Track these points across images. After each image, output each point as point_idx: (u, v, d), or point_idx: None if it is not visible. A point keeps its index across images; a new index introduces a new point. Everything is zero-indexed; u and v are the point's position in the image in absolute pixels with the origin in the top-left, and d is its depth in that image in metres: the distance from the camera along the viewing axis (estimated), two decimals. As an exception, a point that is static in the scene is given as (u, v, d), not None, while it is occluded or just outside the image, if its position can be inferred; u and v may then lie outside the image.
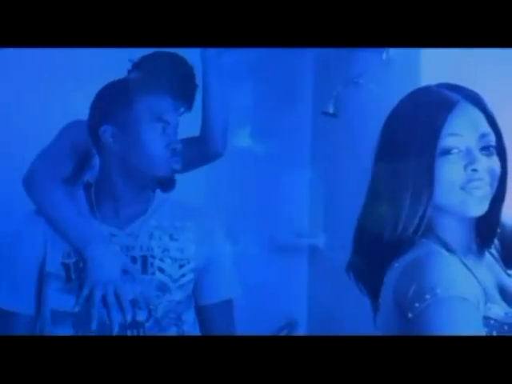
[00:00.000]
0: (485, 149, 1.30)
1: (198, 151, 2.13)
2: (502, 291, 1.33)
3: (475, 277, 1.23)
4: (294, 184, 3.12)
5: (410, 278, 1.22)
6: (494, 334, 1.23)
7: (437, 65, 2.17)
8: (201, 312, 1.79)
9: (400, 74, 2.39)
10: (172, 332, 1.72)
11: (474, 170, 1.28)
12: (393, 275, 1.26)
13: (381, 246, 1.29)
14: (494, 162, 1.30)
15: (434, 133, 1.28)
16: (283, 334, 3.00)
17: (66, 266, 1.69)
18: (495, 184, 1.31)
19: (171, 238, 1.74)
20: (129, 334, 1.67)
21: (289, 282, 3.12)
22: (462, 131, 1.28)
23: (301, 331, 3.09)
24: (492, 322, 1.23)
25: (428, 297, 1.17)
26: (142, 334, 1.68)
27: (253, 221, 2.91)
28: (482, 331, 1.20)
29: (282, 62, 3.00)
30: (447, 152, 1.27)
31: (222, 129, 2.16)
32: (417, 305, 1.18)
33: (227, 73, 2.22)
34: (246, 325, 1.94)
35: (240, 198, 2.96)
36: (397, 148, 1.31)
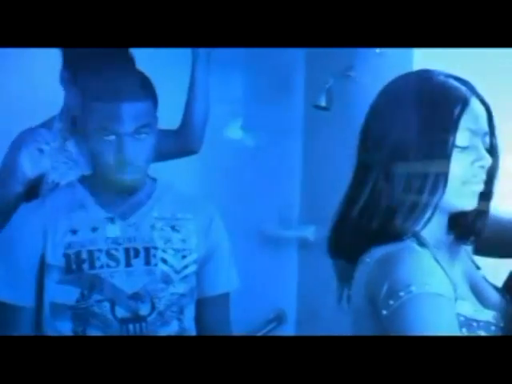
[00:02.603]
0: (487, 146, 1.29)
1: (174, 144, 2.15)
2: (473, 287, 1.33)
3: (446, 273, 1.23)
4: (285, 176, 3.12)
5: (382, 275, 1.20)
6: (464, 331, 1.22)
7: (430, 58, 2.16)
8: (199, 305, 1.78)
9: (393, 67, 2.38)
10: (173, 326, 1.72)
11: (482, 167, 1.27)
12: (364, 271, 1.25)
13: (368, 231, 1.27)
14: (494, 161, 1.30)
15: (450, 126, 1.25)
16: (272, 326, 3.00)
17: (67, 257, 1.67)
18: (489, 181, 1.30)
19: (173, 228, 1.73)
20: (131, 328, 1.67)
21: (278, 275, 3.12)
22: (474, 127, 1.27)
23: (290, 324, 3.09)
24: (462, 318, 1.22)
25: (402, 294, 1.16)
26: (144, 328, 1.67)
27: (243, 212, 2.90)
28: (456, 327, 1.19)
29: (274, 55, 2.98)
30: (459, 146, 1.26)
31: (201, 127, 2.17)
32: (391, 302, 1.16)
33: (219, 65, 2.22)
34: (234, 318, 1.94)
35: (230, 190, 2.96)
36: (403, 135, 1.28)
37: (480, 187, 1.28)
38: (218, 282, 1.80)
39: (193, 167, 2.58)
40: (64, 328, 1.67)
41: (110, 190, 1.70)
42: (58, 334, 1.67)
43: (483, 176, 1.28)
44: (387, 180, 1.26)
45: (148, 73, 1.77)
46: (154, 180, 1.79)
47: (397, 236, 1.24)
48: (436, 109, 1.27)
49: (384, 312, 1.17)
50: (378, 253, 1.23)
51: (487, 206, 1.35)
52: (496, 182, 1.33)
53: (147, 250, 1.70)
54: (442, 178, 1.25)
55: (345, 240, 1.31)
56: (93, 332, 1.66)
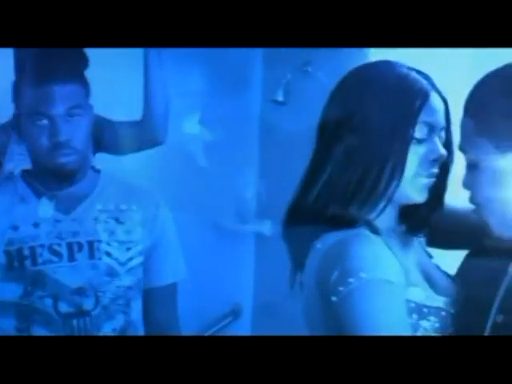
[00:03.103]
0: (443, 140, 1.31)
1: (139, 135, 2.12)
2: (425, 274, 1.35)
3: (398, 259, 1.24)
4: (242, 171, 3.12)
5: (333, 261, 1.21)
6: (414, 316, 1.25)
7: (386, 54, 2.18)
8: (146, 295, 1.77)
9: (350, 62, 2.40)
10: (119, 320, 1.70)
11: (435, 161, 1.29)
12: (316, 257, 1.26)
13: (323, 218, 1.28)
14: (448, 155, 1.32)
15: (410, 118, 1.27)
16: (228, 320, 3.00)
17: (8, 254, 1.65)
18: (442, 176, 1.32)
19: (117, 221, 1.72)
20: (74, 323, 1.65)
21: (235, 269, 3.12)
22: (432, 121, 1.29)
23: (246, 319, 3.10)
24: (412, 304, 1.24)
25: (352, 280, 1.17)
26: (88, 322, 1.66)
27: (200, 206, 2.90)
28: (405, 314, 1.21)
29: (231, 49, 2.98)
30: (416, 138, 1.27)
31: (163, 118, 2.15)
32: (341, 288, 1.18)
33: (176, 59, 2.20)
34: (190, 311, 1.94)
35: (187, 184, 2.95)
36: (364, 124, 1.28)
37: (432, 181, 1.30)
38: (164, 273, 1.79)
39: (150, 161, 2.56)
40: (7, 325, 1.65)
41: (50, 178, 1.68)
42: (1, 332, 1.65)
43: (436, 170, 1.30)
44: (345, 167, 1.27)
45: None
46: (98, 171, 1.78)
47: (350, 223, 1.26)
48: (397, 100, 1.28)
49: (334, 298, 1.18)
50: (330, 239, 1.24)
51: (439, 200, 1.37)
52: (449, 176, 1.36)
53: (91, 243, 1.68)
54: (398, 169, 1.26)
55: (299, 224, 1.32)
56: (36, 328, 1.64)
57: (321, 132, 1.34)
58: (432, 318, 1.26)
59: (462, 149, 1.29)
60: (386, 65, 1.34)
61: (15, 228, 1.67)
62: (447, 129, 1.33)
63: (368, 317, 1.17)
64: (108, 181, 1.76)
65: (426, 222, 1.38)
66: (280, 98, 2.75)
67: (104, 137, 2.04)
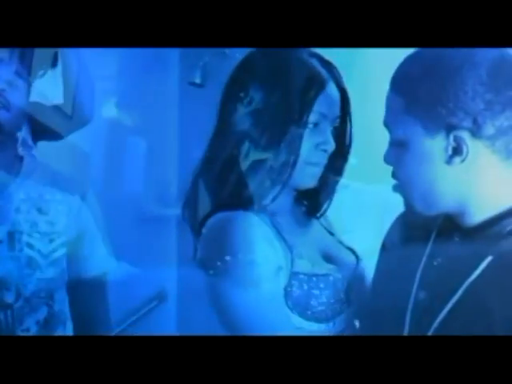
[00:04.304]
0: (335, 130, 1.35)
1: (62, 118, 2.07)
2: (323, 249, 1.42)
3: (283, 239, 1.27)
4: (162, 155, 3.10)
5: (209, 242, 1.25)
6: (305, 287, 1.28)
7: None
8: (73, 286, 1.74)
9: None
10: (42, 312, 1.67)
11: (324, 151, 1.32)
12: (202, 235, 1.29)
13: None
14: (340, 146, 1.35)
15: (304, 106, 1.29)
16: (153, 305, 2.98)
17: None
18: (332, 165, 1.36)
19: (40, 211, 1.67)
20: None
21: (158, 254, 3.11)
22: (326, 111, 1.31)
23: (171, 303, 3.09)
24: (301, 276, 1.30)
25: (219, 264, 1.21)
26: (9, 315, 1.62)
27: (120, 191, 2.87)
28: (278, 294, 1.25)
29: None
30: (309, 127, 1.30)
31: (88, 95, 2.11)
32: (211, 272, 1.21)
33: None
34: (115, 297, 1.92)
35: (107, 169, 2.91)
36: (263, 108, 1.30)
37: (320, 170, 1.34)
38: (92, 263, 1.77)
39: (68, 147, 2.52)
40: None
41: None
42: None
43: (325, 160, 1.34)
44: (242, 149, 1.30)
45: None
46: (21, 158, 1.72)
47: (241, 205, 1.28)
48: (293, 87, 1.30)
49: (209, 275, 1.22)
50: (215, 218, 1.28)
51: (330, 188, 1.41)
52: (342, 165, 1.40)
53: (11, 234, 1.64)
54: (292, 155, 1.29)
55: (195, 201, 1.35)
56: None
57: (221, 112, 1.36)
58: (322, 285, 1.31)
59: (386, 124, 1.31)
60: (294, 56, 1.35)
61: None
62: (343, 120, 1.36)
63: (237, 296, 1.20)
64: (32, 168, 1.71)
65: (318, 208, 1.43)
66: (197, 80, 2.74)
67: (40, 121, 2.00)
